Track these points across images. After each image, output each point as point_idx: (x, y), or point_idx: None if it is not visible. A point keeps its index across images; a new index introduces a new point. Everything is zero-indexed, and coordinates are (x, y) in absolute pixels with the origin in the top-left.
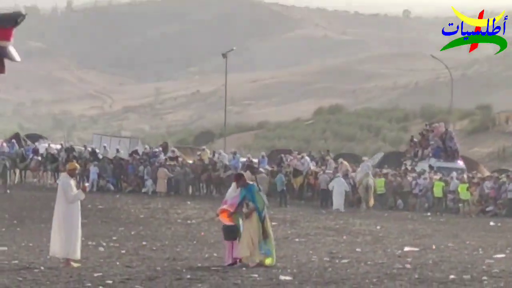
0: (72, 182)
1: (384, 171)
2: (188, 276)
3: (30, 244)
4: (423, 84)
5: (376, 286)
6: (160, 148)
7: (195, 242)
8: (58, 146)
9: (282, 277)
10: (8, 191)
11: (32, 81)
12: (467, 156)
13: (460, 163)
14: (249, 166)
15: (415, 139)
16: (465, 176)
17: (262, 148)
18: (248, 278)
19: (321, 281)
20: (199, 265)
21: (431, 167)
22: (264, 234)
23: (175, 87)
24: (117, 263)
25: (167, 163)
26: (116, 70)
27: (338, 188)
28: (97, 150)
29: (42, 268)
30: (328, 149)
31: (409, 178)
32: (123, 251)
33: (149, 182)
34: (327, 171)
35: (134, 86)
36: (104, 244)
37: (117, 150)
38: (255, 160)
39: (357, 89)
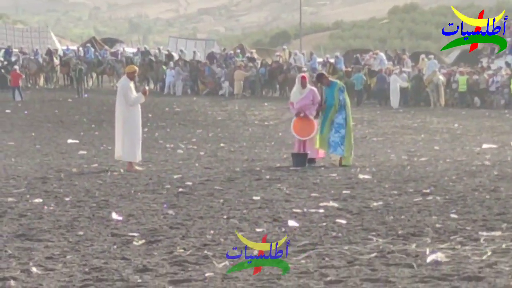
0: (132, 85)
1: (461, 69)
2: (267, 177)
3: (109, 148)
4: None
5: (456, 183)
6: (238, 50)
7: (273, 143)
8: (134, 50)
9: (361, 176)
10: (85, 95)
11: None
12: None
13: None
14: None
15: None
16: None
17: (338, 48)
18: (327, 177)
19: (400, 179)
20: (278, 165)
21: (507, 64)
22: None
23: None
24: (196, 164)
25: (244, 64)
26: None
27: (392, 85)
28: (173, 53)
29: (121, 171)
30: (404, 48)
31: (486, 76)
32: (201, 153)
33: (225, 84)
34: (404, 69)
35: None
36: (183, 146)
37: (194, 53)
38: (332, 60)
39: None
